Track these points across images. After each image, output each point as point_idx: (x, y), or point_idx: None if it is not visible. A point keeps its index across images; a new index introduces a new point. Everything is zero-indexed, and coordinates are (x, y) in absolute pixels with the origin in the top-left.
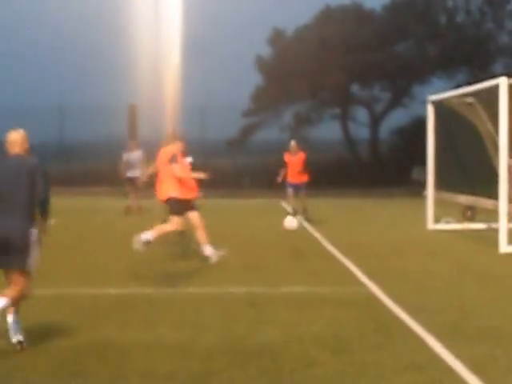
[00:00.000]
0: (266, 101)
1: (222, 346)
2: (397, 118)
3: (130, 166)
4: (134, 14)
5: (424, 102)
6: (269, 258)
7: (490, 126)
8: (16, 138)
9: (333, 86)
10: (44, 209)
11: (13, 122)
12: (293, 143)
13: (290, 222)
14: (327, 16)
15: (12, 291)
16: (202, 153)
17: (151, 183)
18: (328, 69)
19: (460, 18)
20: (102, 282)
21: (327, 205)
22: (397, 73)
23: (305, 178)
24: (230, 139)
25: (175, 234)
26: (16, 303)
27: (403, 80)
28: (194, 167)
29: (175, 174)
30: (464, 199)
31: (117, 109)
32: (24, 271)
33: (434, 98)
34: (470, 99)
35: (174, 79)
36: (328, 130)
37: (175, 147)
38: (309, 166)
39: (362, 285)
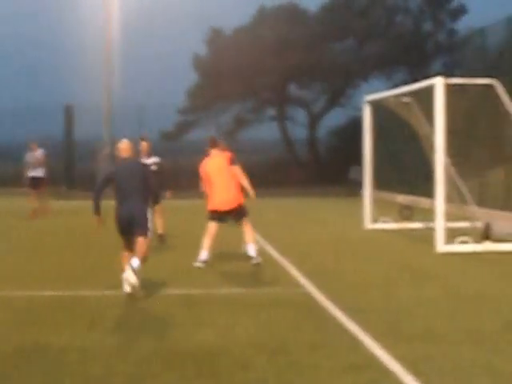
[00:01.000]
0: (201, 99)
1: (158, 349)
2: (334, 118)
3: (32, 166)
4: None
5: (361, 102)
6: None
7: (426, 125)
8: (126, 146)
9: (269, 86)
10: (154, 194)
11: None
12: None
13: None
14: (263, 16)
15: (139, 253)
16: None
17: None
18: (263, 69)
19: (399, 17)
20: (37, 284)
21: (264, 205)
22: (334, 73)
23: None
24: (166, 133)
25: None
26: (143, 262)
27: (340, 80)
28: (160, 167)
29: (239, 175)
30: (401, 199)
31: (53, 109)
32: (145, 238)
33: (370, 97)
34: (406, 99)
35: (111, 79)
36: (266, 131)
37: (225, 154)
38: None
39: (299, 285)
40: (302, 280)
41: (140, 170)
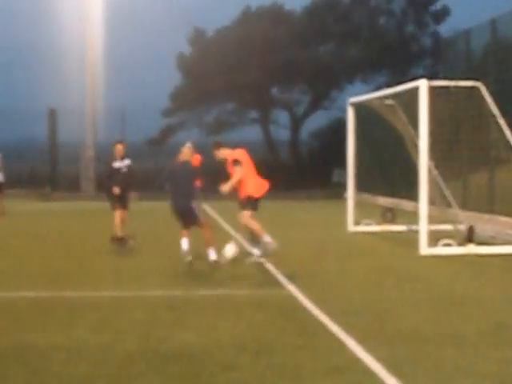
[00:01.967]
0: (185, 100)
1: (142, 350)
2: (317, 121)
3: None
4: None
5: (344, 105)
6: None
7: (410, 128)
8: (187, 151)
9: (252, 87)
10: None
11: None
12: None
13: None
14: (247, 17)
15: (206, 241)
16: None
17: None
18: (246, 69)
19: (382, 19)
20: (18, 285)
21: None
22: (317, 75)
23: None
24: (150, 138)
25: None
26: (212, 244)
27: (323, 82)
28: (130, 169)
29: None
30: (384, 201)
31: (36, 113)
32: (200, 225)
33: (353, 100)
34: (390, 101)
35: (95, 82)
36: (249, 132)
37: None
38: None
39: (281, 287)
40: (285, 282)
41: (191, 171)
